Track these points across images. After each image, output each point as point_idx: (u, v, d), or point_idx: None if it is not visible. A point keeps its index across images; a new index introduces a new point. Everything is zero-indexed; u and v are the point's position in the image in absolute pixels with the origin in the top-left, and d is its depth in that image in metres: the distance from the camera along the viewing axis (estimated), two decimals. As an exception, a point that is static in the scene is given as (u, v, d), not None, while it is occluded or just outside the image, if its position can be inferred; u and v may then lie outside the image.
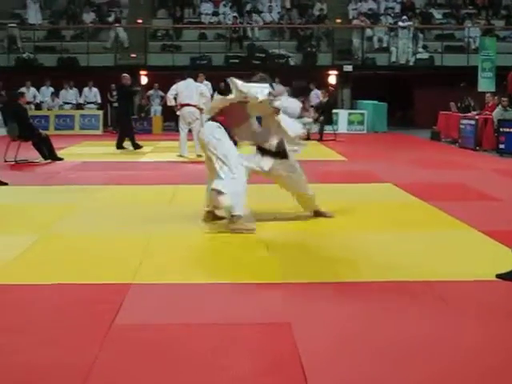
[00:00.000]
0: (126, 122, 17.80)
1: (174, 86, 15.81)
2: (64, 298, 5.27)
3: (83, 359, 4.05)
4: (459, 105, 20.87)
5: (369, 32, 26.98)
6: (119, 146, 17.43)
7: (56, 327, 4.64)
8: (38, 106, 24.49)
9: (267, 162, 7.93)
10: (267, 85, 7.70)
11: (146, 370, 3.95)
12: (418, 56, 26.21)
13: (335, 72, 25.24)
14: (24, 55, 26.00)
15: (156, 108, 24.72)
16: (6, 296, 5.39)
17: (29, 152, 14.75)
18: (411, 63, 26.22)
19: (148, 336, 4.46)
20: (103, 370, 3.95)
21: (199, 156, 15.20)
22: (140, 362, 4.05)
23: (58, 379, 3.83)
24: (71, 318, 4.81)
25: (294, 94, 8.69)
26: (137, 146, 17.35)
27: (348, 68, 25.64)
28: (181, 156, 15.42)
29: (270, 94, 7.56)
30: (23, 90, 21.77)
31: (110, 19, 27.51)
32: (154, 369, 3.96)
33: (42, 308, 5.06)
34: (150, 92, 24.80)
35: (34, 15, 27.54)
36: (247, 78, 7.97)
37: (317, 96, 23.61)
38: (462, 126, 18.64)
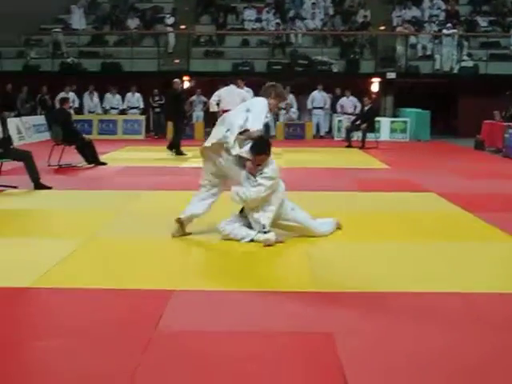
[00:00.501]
0: (177, 126, 17.90)
1: (216, 92, 15.89)
2: (107, 304, 5.32)
3: (126, 365, 4.07)
4: (504, 114, 20.63)
5: (413, 39, 26.79)
6: (175, 149, 17.50)
7: (99, 332, 4.68)
8: (78, 111, 24.67)
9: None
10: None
11: (188, 376, 3.96)
12: (463, 64, 25.94)
13: (378, 79, 25.12)
14: (68, 60, 26.26)
15: (198, 114, 24.80)
16: (49, 300, 5.44)
17: (72, 156, 14.90)
18: (455, 71, 25.97)
19: (190, 343, 4.47)
20: (146, 376, 3.96)
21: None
22: (182, 369, 4.06)
23: (107, 381, 3.85)
24: (114, 324, 4.85)
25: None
26: (180, 153, 17.39)
27: (391, 75, 25.49)
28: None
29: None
30: (62, 94, 22.06)
31: (169, 21, 27.69)
32: (196, 376, 3.97)
33: (85, 313, 5.09)
34: (193, 98, 24.86)
35: (78, 20, 27.85)
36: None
37: (353, 103, 23.75)
38: (506, 136, 18.42)
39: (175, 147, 17.40)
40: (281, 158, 17.03)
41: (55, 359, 4.20)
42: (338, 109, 24.21)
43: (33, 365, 4.14)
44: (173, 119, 18.30)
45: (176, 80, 18.08)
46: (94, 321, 4.89)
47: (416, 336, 4.63)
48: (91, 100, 25.08)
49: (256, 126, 7.42)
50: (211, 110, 16.26)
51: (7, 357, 4.27)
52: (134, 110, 25.10)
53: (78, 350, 4.34)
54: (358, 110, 23.46)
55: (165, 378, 3.97)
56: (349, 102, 23.96)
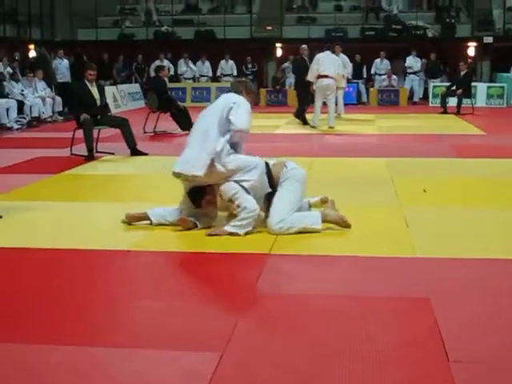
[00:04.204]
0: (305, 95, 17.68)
1: (315, 59, 15.72)
2: (205, 266, 5.44)
3: (226, 324, 4.15)
4: None
5: (510, 1, 26.00)
6: (303, 120, 17.28)
7: (200, 294, 4.84)
8: (173, 79, 24.90)
9: None
10: None
11: (286, 338, 4.01)
12: None
13: (474, 44, 24.54)
14: (162, 29, 26.53)
15: (291, 80, 24.70)
16: (147, 262, 5.57)
17: (167, 123, 15.10)
18: (556, 34, 25.15)
19: (286, 306, 4.52)
20: (244, 335, 4.04)
21: (331, 128, 15.34)
22: (279, 331, 4.12)
23: (204, 342, 3.95)
24: (212, 286, 4.99)
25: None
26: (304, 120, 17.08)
27: (488, 39, 24.83)
28: (312, 126, 15.52)
29: None
30: (157, 62, 22.34)
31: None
32: (293, 338, 4.01)
33: (182, 276, 5.20)
34: (285, 64, 24.81)
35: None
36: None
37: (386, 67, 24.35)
38: None
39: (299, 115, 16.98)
40: (374, 124, 16.91)
41: (162, 317, 4.33)
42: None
43: (135, 324, 4.26)
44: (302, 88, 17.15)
45: (303, 46, 17.61)
46: (192, 283, 5.00)
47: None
48: (186, 67, 25.32)
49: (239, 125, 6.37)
50: (310, 79, 15.83)
51: (110, 316, 4.42)
52: (228, 78, 25.22)
53: (182, 310, 4.47)
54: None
55: (262, 338, 4.03)
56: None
